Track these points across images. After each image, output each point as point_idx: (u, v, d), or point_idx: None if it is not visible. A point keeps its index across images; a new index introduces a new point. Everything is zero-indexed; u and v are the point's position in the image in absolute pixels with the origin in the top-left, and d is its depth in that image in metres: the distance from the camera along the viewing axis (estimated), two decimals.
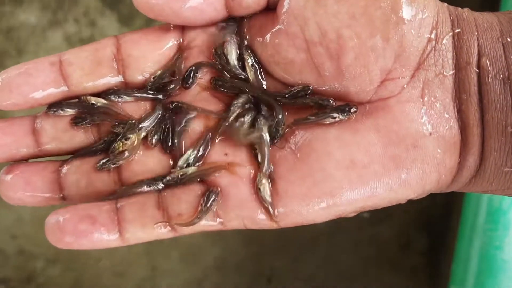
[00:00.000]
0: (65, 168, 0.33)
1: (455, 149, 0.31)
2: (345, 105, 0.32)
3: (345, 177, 0.30)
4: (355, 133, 0.31)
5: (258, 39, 0.32)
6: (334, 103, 0.32)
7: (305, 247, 0.88)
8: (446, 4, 0.32)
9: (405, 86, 0.30)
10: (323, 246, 0.88)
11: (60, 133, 0.33)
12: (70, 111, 0.34)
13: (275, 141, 0.32)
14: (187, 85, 0.34)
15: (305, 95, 0.32)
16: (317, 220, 0.32)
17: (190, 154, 0.33)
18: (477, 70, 0.30)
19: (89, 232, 0.31)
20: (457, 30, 0.31)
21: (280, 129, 0.33)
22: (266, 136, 0.33)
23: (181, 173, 0.33)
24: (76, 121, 0.33)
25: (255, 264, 0.88)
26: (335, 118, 0.31)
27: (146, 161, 0.33)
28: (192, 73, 0.34)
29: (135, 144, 0.33)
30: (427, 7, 0.30)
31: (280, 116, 0.33)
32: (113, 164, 0.33)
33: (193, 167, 0.33)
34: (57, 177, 0.33)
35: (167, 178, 0.32)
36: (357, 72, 0.30)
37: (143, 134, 0.34)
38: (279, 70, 0.32)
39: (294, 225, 0.32)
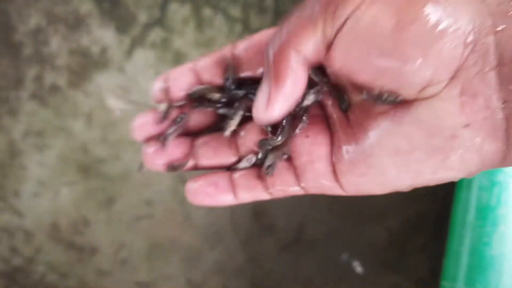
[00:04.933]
0: (197, 143, 0.43)
1: (495, 136, 0.33)
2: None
3: (392, 162, 0.35)
4: (400, 125, 0.35)
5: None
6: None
7: (303, 250, 0.89)
8: (488, 1, 0.32)
9: (444, 87, 0.33)
10: (322, 248, 0.89)
11: (196, 116, 0.44)
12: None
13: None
14: None
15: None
16: (376, 193, 0.38)
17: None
18: None
19: (214, 194, 0.42)
20: (500, 28, 0.31)
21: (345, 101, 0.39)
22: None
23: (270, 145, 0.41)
24: (193, 105, 0.43)
25: (254, 268, 0.89)
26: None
27: (254, 138, 0.42)
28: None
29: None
30: (459, 17, 0.32)
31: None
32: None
33: (272, 138, 0.41)
34: (190, 149, 0.43)
35: (258, 157, 0.42)
36: (395, 87, 0.34)
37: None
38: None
39: (358, 194, 0.39)
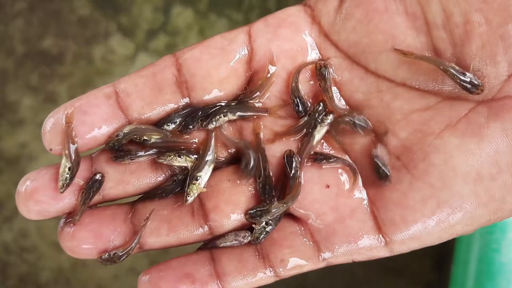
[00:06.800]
0: (139, 213, 0.29)
1: None
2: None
3: (471, 193, 0.27)
4: (481, 141, 0.27)
5: (363, 27, 0.29)
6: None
7: None
8: None
9: None
10: None
11: (126, 176, 0.29)
12: (143, 158, 0.29)
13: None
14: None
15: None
16: (435, 243, 0.29)
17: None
18: None
19: None
20: None
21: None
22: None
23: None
24: (116, 156, 0.29)
25: None
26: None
27: (236, 200, 0.30)
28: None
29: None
30: None
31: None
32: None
33: (276, 203, 0.29)
34: (130, 225, 0.29)
35: (256, 235, 0.29)
36: (482, 63, 0.27)
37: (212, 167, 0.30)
38: (385, 60, 0.29)
39: (408, 251, 0.30)
